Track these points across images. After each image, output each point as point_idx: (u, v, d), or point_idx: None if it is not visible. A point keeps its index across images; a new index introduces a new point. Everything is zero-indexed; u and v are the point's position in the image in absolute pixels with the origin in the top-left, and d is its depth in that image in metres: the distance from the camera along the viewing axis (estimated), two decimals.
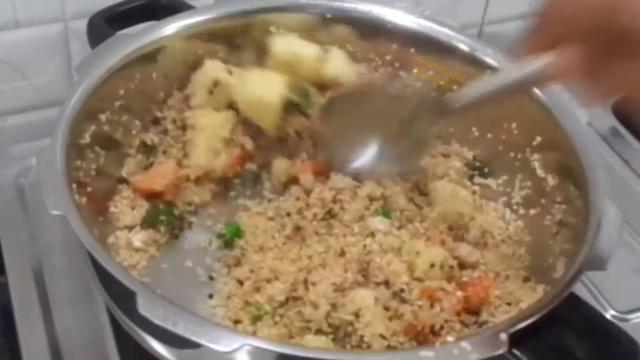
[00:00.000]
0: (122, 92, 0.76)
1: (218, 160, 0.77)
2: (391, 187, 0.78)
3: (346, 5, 0.84)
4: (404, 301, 0.68)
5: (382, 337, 0.64)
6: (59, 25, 0.89)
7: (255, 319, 0.67)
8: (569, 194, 0.72)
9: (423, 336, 0.65)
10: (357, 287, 0.69)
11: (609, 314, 0.76)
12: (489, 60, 0.80)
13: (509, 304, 0.69)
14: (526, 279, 0.72)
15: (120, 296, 0.63)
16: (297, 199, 0.77)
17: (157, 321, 0.54)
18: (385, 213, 0.76)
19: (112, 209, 0.75)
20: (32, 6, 0.86)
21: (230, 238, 0.74)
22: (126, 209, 0.75)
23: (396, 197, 0.78)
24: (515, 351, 0.55)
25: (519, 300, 0.68)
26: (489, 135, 0.82)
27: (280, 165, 0.79)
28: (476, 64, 0.81)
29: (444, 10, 1.02)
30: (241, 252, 0.73)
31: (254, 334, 0.65)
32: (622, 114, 0.99)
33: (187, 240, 0.75)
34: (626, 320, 0.76)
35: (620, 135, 0.97)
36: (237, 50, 0.84)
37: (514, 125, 0.79)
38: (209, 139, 0.77)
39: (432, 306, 0.67)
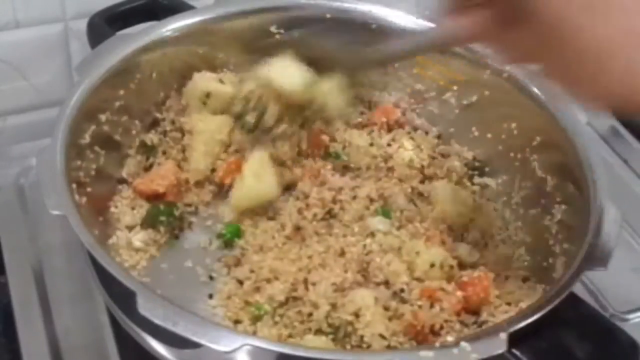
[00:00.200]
0: (122, 92, 0.76)
1: (216, 164, 0.78)
2: (391, 188, 0.78)
3: (346, 5, 0.84)
4: (403, 301, 0.68)
5: (382, 337, 0.64)
6: (59, 25, 0.89)
7: (255, 319, 0.67)
8: (569, 194, 0.72)
9: (423, 336, 0.65)
10: (357, 287, 0.69)
11: (609, 314, 0.76)
12: (489, 60, 0.80)
13: (509, 304, 0.69)
14: (526, 279, 0.72)
15: (120, 296, 0.63)
16: (297, 198, 0.77)
17: (157, 321, 0.54)
18: (385, 213, 0.76)
19: (112, 209, 0.75)
20: (32, 6, 0.86)
21: (230, 238, 0.74)
22: (126, 209, 0.75)
23: (396, 197, 0.78)
24: (515, 351, 0.55)
25: (519, 300, 0.68)
26: (489, 135, 0.82)
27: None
28: (476, 64, 0.81)
29: None
30: (241, 252, 0.73)
31: (254, 334, 0.65)
32: (622, 114, 0.99)
33: (187, 241, 0.75)
34: (626, 320, 0.76)
35: (620, 135, 0.97)
36: (237, 51, 0.84)
37: (514, 125, 0.79)
38: (206, 142, 0.77)
39: (432, 306, 0.67)
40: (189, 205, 0.77)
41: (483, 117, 0.82)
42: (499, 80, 0.80)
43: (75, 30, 0.89)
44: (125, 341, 0.69)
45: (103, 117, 0.74)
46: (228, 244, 0.74)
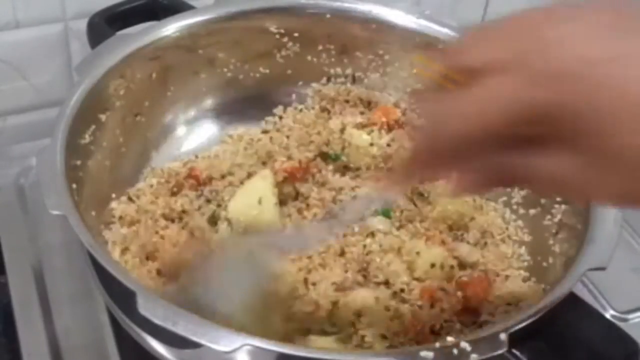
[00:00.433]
0: (122, 92, 0.76)
1: None
2: None
3: (346, 5, 0.84)
4: (404, 301, 0.68)
5: (384, 337, 0.64)
6: (59, 25, 0.89)
7: None
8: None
9: (423, 336, 0.65)
10: (358, 287, 0.69)
11: (609, 314, 0.76)
12: None
13: (509, 304, 0.69)
14: (526, 279, 0.72)
15: (120, 296, 0.63)
16: (297, 199, 0.77)
17: (157, 321, 0.54)
18: (385, 213, 0.76)
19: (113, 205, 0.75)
20: (32, 6, 0.86)
21: None
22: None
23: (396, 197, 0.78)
24: (515, 351, 0.55)
25: (519, 300, 0.68)
26: None
27: None
28: None
29: (444, 10, 1.02)
30: None
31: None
32: None
33: None
34: (626, 320, 0.76)
35: None
36: (237, 51, 0.84)
37: None
38: None
39: (432, 306, 0.67)
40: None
41: None
42: None
43: (75, 30, 0.89)
44: (125, 341, 0.69)
45: (103, 117, 0.74)
46: None
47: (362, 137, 0.83)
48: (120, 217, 0.73)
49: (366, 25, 0.84)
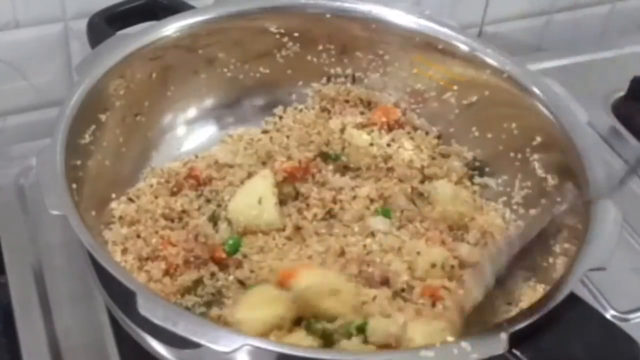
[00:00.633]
0: (122, 92, 0.76)
1: None
2: (391, 188, 0.78)
3: (346, 5, 0.84)
4: (405, 300, 0.68)
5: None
6: (59, 25, 0.89)
7: None
8: (569, 194, 0.72)
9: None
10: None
11: (609, 314, 0.76)
12: (489, 60, 0.80)
13: (509, 303, 0.69)
14: (526, 279, 0.72)
15: (120, 296, 0.63)
16: (297, 199, 0.77)
17: (157, 321, 0.54)
18: (386, 213, 0.76)
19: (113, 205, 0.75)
20: (32, 6, 0.86)
21: (232, 252, 0.73)
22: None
23: (396, 197, 0.78)
24: (515, 351, 0.55)
25: (519, 300, 0.68)
26: (489, 135, 0.82)
27: None
28: (476, 64, 0.81)
29: (444, 10, 1.02)
30: (242, 253, 0.73)
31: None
32: (622, 114, 0.99)
33: None
34: (626, 320, 0.76)
35: (620, 135, 0.97)
36: (237, 51, 0.84)
37: (514, 125, 0.79)
38: None
39: (433, 305, 0.67)
40: None
41: (483, 117, 0.82)
42: (499, 80, 0.80)
43: (75, 30, 0.89)
44: (125, 341, 0.69)
45: (103, 117, 0.74)
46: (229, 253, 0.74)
47: (362, 137, 0.84)
48: (120, 217, 0.73)
49: (366, 25, 0.84)
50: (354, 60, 0.87)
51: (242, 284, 0.70)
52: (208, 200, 0.76)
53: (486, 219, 0.77)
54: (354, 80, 0.88)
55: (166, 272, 0.69)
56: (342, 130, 0.83)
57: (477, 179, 0.82)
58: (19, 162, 0.85)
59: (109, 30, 0.80)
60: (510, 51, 0.81)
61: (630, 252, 0.83)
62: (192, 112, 0.85)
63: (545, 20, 1.12)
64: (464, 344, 0.54)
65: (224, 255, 0.72)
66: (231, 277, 0.70)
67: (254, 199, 0.74)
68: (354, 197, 0.77)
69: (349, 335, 0.63)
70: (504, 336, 0.55)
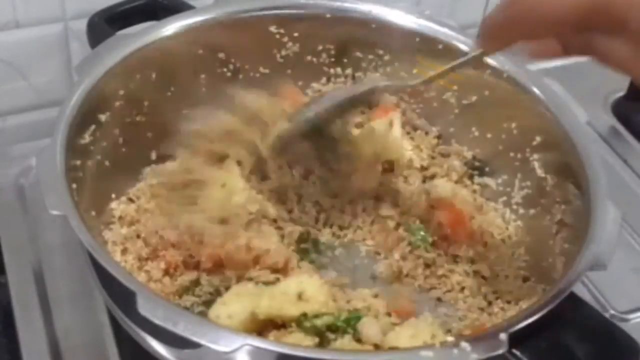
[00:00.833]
0: (122, 92, 0.76)
1: None
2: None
3: (346, 5, 0.84)
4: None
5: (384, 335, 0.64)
6: (59, 25, 0.89)
7: None
8: (569, 194, 0.72)
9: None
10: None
11: (609, 314, 0.76)
12: (489, 60, 0.80)
13: (509, 303, 0.69)
14: (526, 279, 0.72)
15: (120, 296, 0.63)
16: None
17: (157, 321, 0.54)
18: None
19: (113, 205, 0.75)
20: (32, 6, 0.86)
21: None
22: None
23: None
24: (515, 351, 0.55)
25: (519, 300, 0.68)
26: (489, 135, 0.82)
27: None
28: (476, 64, 0.81)
29: (444, 10, 1.02)
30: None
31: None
32: (622, 114, 0.99)
33: None
34: (626, 320, 0.76)
35: (620, 135, 0.97)
36: (237, 51, 0.84)
37: (514, 125, 0.79)
38: None
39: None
40: None
41: (483, 117, 0.82)
42: (499, 80, 0.79)
43: (75, 30, 0.89)
44: (125, 341, 0.69)
45: (103, 117, 0.74)
46: None
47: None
48: (120, 217, 0.73)
49: (366, 25, 0.84)
50: (354, 60, 0.87)
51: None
52: None
53: (486, 218, 0.77)
54: (354, 80, 0.88)
55: (166, 272, 0.69)
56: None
57: (477, 179, 0.82)
58: (19, 162, 0.85)
59: (109, 30, 0.80)
60: (510, 51, 0.81)
61: (630, 252, 0.83)
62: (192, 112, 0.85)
63: None
64: (464, 344, 0.54)
65: (222, 255, 0.72)
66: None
67: (220, 186, 0.74)
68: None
69: (337, 329, 0.63)
70: (504, 336, 0.55)
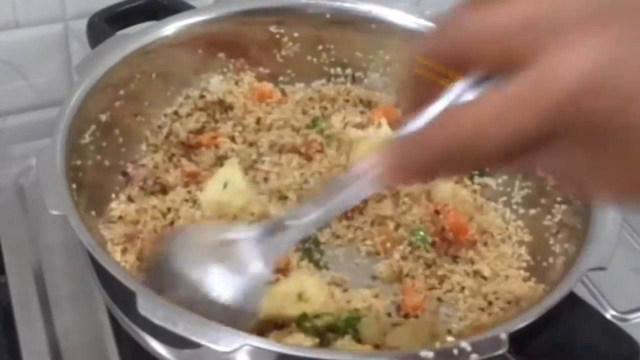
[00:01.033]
0: (122, 92, 0.76)
1: None
2: None
3: (346, 5, 0.84)
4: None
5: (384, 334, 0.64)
6: (59, 25, 0.89)
7: None
8: (569, 194, 0.72)
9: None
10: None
11: (609, 314, 0.76)
12: None
13: (509, 303, 0.69)
14: (526, 279, 0.72)
15: (120, 296, 0.63)
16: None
17: (157, 321, 0.54)
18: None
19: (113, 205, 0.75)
20: (32, 6, 0.86)
21: None
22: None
23: None
24: (515, 351, 0.55)
25: (519, 300, 0.68)
26: None
27: None
28: None
29: (444, 10, 1.02)
30: None
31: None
32: None
33: None
34: (626, 320, 0.76)
35: None
36: (237, 51, 0.84)
37: None
38: None
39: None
40: None
41: None
42: None
43: (75, 30, 0.89)
44: (125, 341, 0.69)
45: (103, 117, 0.74)
46: None
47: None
48: (120, 217, 0.73)
49: (366, 25, 0.84)
50: (354, 60, 0.87)
51: None
52: None
53: (486, 218, 0.77)
54: (354, 80, 0.88)
55: None
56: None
57: (477, 179, 0.82)
58: (19, 162, 0.85)
59: (109, 30, 0.80)
60: None
61: (630, 252, 0.83)
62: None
63: None
64: (464, 344, 0.54)
65: None
66: None
67: (221, 185, 0.74)
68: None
69: (337, 329, 0.63)
70: (504, 336, 0.55)
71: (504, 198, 0.80)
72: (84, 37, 0.82)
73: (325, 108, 0.86)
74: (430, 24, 0.82)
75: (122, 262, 0.70)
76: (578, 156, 0.38)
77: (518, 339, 0.55)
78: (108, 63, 0.74)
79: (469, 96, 0.41)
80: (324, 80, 0.88)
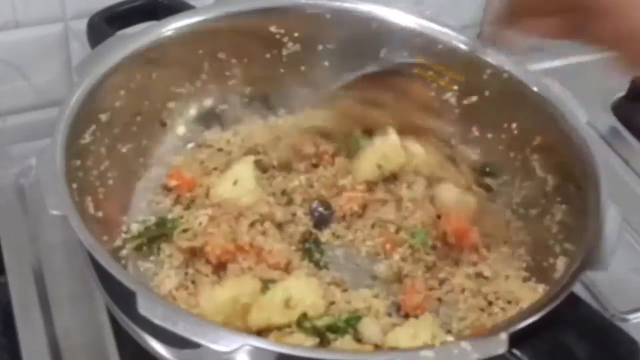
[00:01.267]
0: (122, 92, 0.76)
1: None
2: None
3: (346, 5, 0.84)
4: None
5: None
6: (59, 25, 0.89)
7: None
8: (569, 194, 0.72)
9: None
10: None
11: (609, 314, 0.76)
12: (489, 60, 0.80)
13: (509, 303, 0.69)
14: (526, 279, 0.72)
15: (120, 296, 0.63)
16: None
17: (157, 321, 0.54)
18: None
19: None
20: (32, 6, 0.86)
21: None
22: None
23: None
24: (515, 351, 0.55)
25: (519, 300, 0.68)
26: (489, 135, 0.82)
27: None
28: (476, 64, 0.81)
29: (444, 10, 1.02)
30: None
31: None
32: (622, 114, 0.99)
33: None
34: (626, 320, 0.76)
35: (620, 135, 0.97)
36: (237, 51, 0.84)
37: (514, 125, 0.79)
38: None
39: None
40: None
41: (483, 117, 0.82)
42: (499, 80, 0.79)
43: (75, 30, 0.89)
44: (125, 341, 0.69)
45: (103, 117, 0.74)
46: None
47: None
48: None
49: (366, 25, 0.84)
50: (354, 60, 0.87)
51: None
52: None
53: (487, 221, 0.77)
54: None
55: None
56: None
57: (479, 181, 0.82)
58: (19, 162, 0.85)
59: (109, 30, 0.80)
60: (510, 51, 0.81)
61: (630, 252, 0.83)
62: (192, 112, 0.85)
63: None
64: (464, 344, 0.54)
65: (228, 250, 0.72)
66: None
67: (231, 182, 0.75)
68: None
69: (337, 330, 0.63)
70: (504, 336, 0.55)
71: (504, 198, 0.80)
72: (84, 37, 0.82)
73: None
74: (430, 24, 0.83)
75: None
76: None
77: (518, 339, 0.55)
78: (108, 63, 0.74)
79: None
80: None
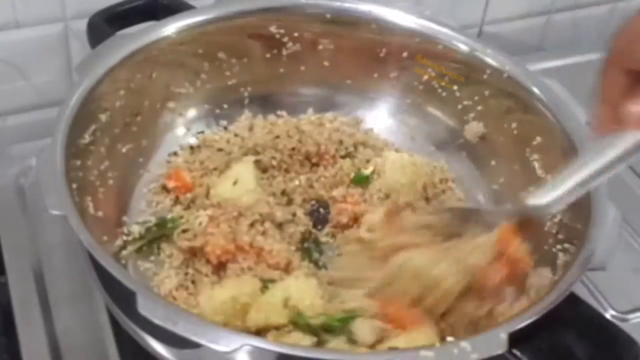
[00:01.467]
0: (122, 92, 0.76)
1: None
2: None
3: (346, 5, 0.84)
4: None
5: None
6: (59, 25, 0.89)
7: None
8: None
9: None
10: None
11: (609, 314, 0.76)
12: (489, 60, 0.80)
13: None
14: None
15: (120, 296, 0.63)
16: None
17: (157, 321, 0.54)
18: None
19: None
20: (32, 6, 0.86)
21: None
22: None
23: None
24: (515, 351, 0.55)
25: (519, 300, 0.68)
26: (489, 135, 0.82)
27: None
28: (476, 64, 0.81)
29: (444, 10, 1.02)
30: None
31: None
32: None
33: None
34: (626, 320, 0.76)
35: None
36: (237, 51, 0.84)
37: (514, 125, 0.79)
38: None
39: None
40: None
41: (483, 117, 0.82)
42: (499, 80, 0.79)
43: (75, 30, 0.89)
44: (125, 341, 0.69)
45: (103, 117, 0.74)
46: None
47: None
48: None
49: (366, 25, 0.84)
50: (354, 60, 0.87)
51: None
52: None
53: None
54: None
55: None
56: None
57: None
58: (19, 162, 0.85)
59: (109, 30, 0.80)
60: (510, 51, 0.81)
61: (630, 252, 0.83)
62: (192, 112, 0.85)
63: (545, 20, 1.12)
64: (464, 344, 0.54)
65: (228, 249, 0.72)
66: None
67: (231, 182, 0.75)
68: None
69: (332, 329, 0.63)
70: (504, 336, 0.55)
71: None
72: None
73: None
74: (430, 24, 0.83)
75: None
76: None
77: (518, 339, 0.55)
78: (108, 63, 0.74)
79: None
80: None
